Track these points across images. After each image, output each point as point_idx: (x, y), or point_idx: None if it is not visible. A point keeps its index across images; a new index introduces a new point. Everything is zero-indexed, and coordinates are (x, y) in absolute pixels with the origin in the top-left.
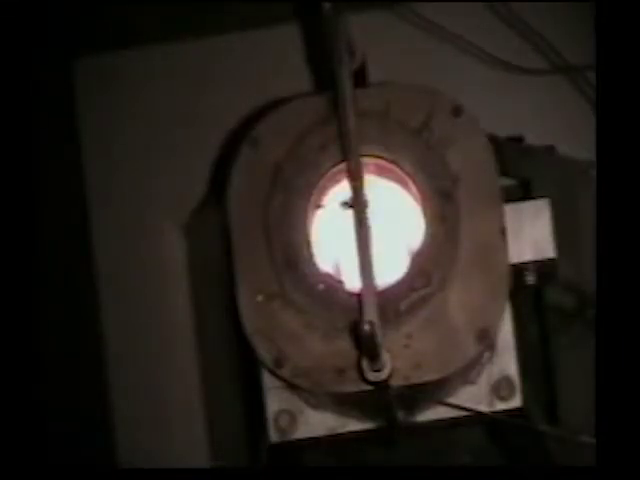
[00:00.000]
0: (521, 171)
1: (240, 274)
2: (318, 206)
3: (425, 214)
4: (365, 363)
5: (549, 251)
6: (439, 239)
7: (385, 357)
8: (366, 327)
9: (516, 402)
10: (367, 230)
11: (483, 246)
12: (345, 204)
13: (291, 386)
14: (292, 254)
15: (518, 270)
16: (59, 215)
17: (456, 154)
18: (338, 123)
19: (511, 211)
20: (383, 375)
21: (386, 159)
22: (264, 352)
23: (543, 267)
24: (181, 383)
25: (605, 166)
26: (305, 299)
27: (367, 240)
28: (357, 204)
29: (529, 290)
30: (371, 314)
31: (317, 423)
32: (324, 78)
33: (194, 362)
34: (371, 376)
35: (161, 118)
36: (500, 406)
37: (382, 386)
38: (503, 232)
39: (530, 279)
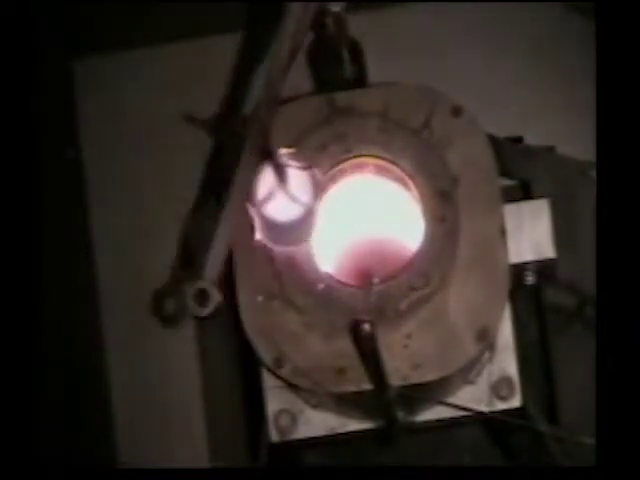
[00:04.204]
0: (521, 171)
1: (240, 274)
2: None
3: (425, 214)
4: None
5: (549, 251)
6: (438, 239)
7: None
8: None
9: (516, 402)
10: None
11: (483, 246)
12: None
13: (291, 386)
14: (292, 254)
15: (518, 270)
16: (59, 215)
17: (456, 154)
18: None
19: (511, 211)
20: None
21: (386, 159)
22: (264, 352)
23: (543, 267)
24: (181, 383)
25: (605, 166)
26: (305, 299)
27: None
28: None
29: (529, 290)
30: None
31: (317, 423)
32: (324, 78)
33: (194, 362)
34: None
35: (161, 118)
36: (500, 406)
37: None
38: (503, 232)
39: (530, 279)
